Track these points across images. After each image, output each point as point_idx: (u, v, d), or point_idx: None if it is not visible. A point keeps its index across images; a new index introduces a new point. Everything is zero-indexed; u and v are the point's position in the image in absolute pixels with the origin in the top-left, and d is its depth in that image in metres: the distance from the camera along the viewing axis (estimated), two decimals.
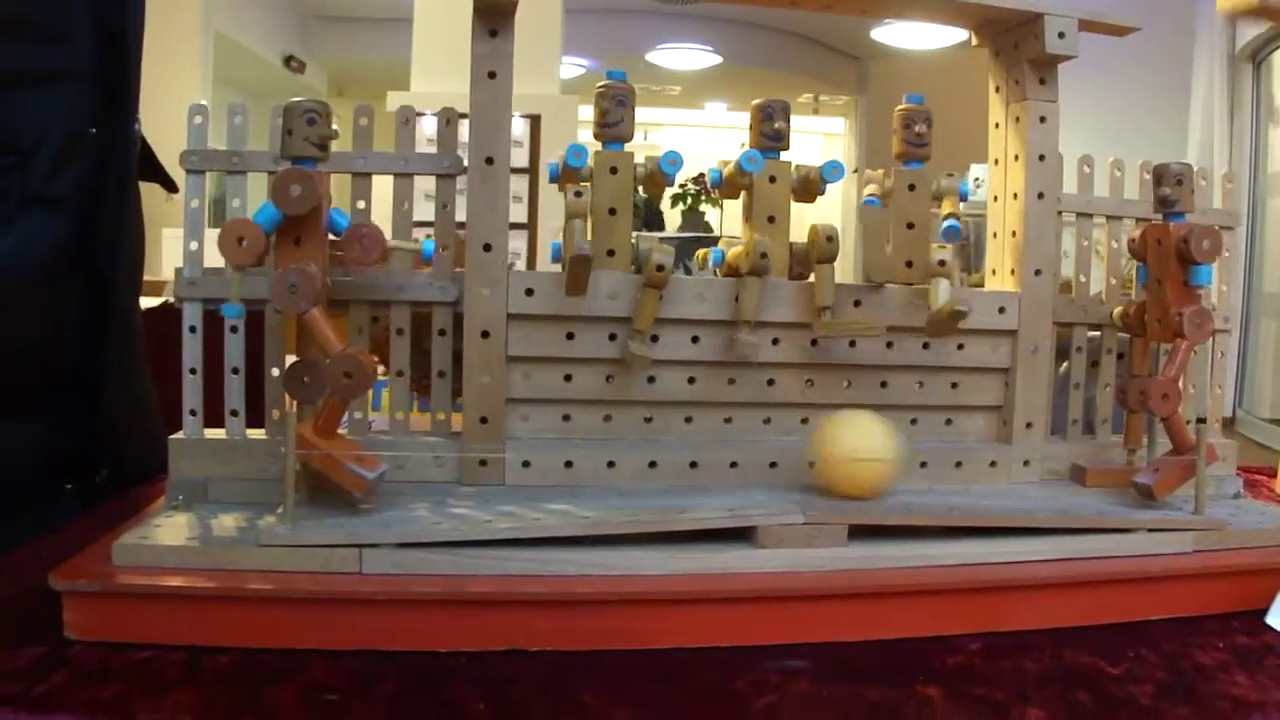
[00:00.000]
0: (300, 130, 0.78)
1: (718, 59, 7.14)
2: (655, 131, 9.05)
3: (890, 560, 0.80)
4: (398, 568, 0.74)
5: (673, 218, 8.38)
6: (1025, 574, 0.81)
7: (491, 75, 0.85)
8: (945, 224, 0.94)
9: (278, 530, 0.74)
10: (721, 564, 0.77)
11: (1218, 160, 4.72)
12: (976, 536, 0.83)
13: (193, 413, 0.88)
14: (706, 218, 8.29)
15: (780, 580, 0.77)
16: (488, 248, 0.86)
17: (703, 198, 7.53)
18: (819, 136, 9.53)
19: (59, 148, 0.99)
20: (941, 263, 0.91)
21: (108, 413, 1.11)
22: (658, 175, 0.90)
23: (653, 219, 8.07)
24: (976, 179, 3.12)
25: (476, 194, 0.86)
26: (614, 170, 0.89)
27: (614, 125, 0.89)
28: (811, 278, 0.91)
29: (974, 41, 1.00)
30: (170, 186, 1.26)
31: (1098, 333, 1.03)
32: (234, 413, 0.88)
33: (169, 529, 0.78)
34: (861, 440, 0.84)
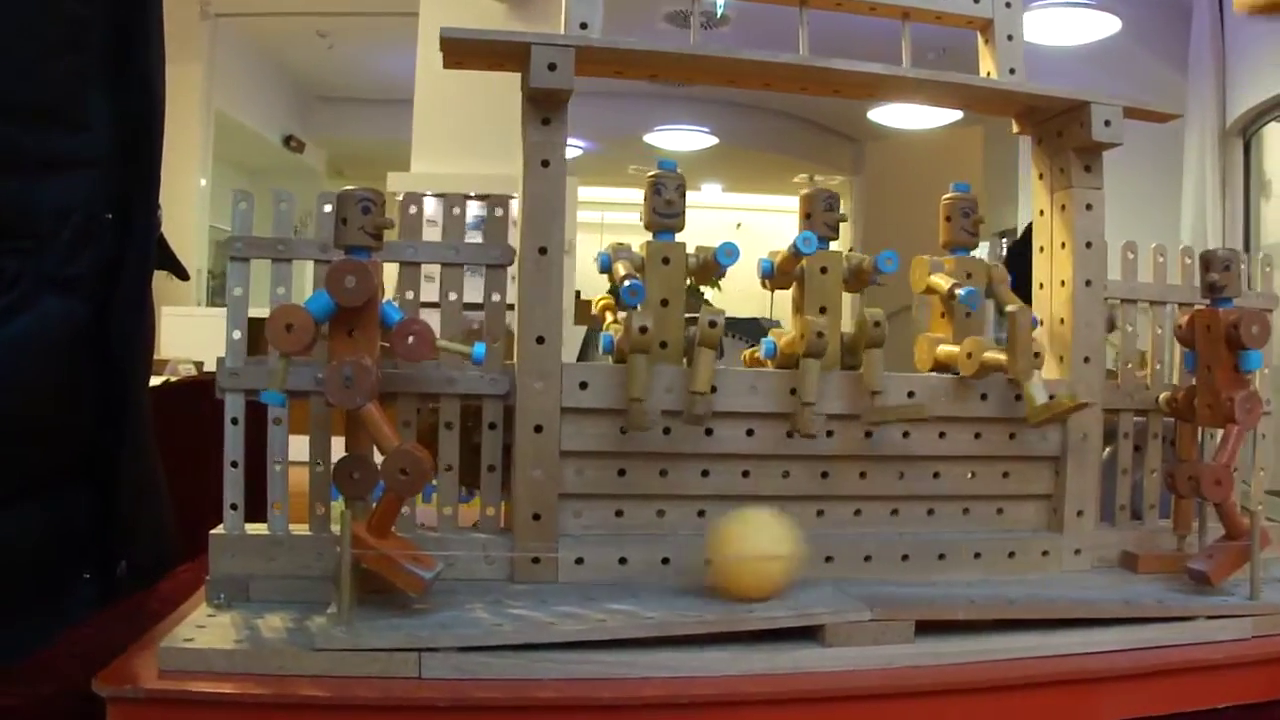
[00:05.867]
0: (355, 219, 0.77)
1: (714, 140, 7.19)
2: None
3: (957, 655, 0.78)
4: (459, 672, 0.72)
5: None
6: (1090, 666, 0.79)
7: (545, 164, 0.85)
8: (962, 291, 0.93)
9: (333, 633, 0.72)
10: (790, 663, 0.76)
11: (1211, 236, 4.75)
12: (1039, 628, 0.82)
13: (234, 507, 0.85)
14: (705, 296, 8.31)
15: (850, 679, 0.75)
16: (541, 340, 0.85)
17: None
18: None
19: (76, 231, 0.98)
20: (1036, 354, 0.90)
21: (122, 499, 1.08)
22: (711, 265, 0.89)
23: None
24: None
25: (529, 285, 0.85)
26: (666, 261, 0.89)
27: (672, 216, 0.88)
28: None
29: (1015, 129, 1.01)
30: (181, 274, 1.25)
31: (1142, 418, 1.02)
32: (276, 506, 0.86)
33: (214, 630, 0.75)
34: (760, 536, 0.81)
